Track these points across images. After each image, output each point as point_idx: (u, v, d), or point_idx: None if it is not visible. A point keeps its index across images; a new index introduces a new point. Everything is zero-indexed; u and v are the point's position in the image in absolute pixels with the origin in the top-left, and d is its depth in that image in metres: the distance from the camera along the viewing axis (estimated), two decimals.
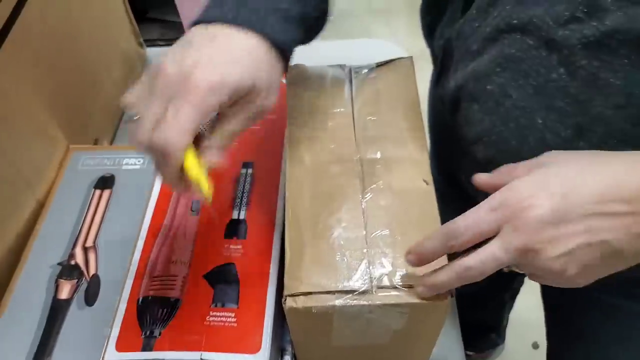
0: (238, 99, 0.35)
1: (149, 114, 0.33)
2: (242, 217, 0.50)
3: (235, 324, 0.43)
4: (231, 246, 0.48)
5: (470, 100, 0.45)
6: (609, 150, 0.36)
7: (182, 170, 0.34)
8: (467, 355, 1.13)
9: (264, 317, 0.44)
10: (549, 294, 0.65)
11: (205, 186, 0.35)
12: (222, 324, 0.43)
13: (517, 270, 0.35)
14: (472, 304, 0.83)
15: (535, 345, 1.15)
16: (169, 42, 0.89)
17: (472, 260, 0.33)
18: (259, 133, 0.57)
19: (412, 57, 0.52)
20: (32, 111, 0.54)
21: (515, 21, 0.41)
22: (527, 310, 1.02)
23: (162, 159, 0.33)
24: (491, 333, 1.10)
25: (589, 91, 0.38)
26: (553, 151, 0.37)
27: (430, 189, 0.41)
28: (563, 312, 0.63)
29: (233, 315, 0.44)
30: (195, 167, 0.35)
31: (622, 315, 0.53)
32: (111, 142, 0.69)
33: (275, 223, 0.49)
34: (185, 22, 0.59)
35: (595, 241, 0.32)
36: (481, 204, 0.34)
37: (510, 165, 0.37)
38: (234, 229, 0.49)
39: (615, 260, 0.33)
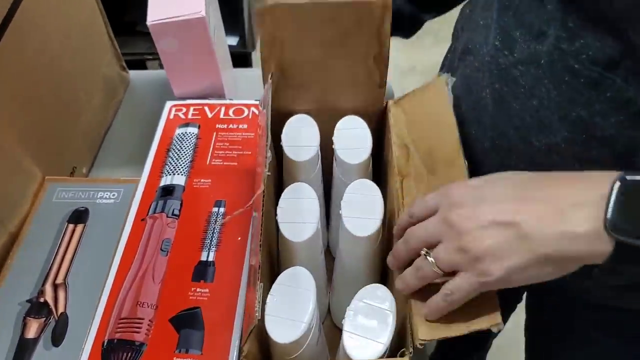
0: None
1: None
2: (210, 258, 0.50)
3: None
4: (198, 289, 0.48)
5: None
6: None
7: None
8: None
9: None
10: (530, 318, 0.68)
11: None
12: None
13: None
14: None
15: None
16: (157, 55, 0.88)
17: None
18: (234, 170, 0.57)
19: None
20: (5, 147, 0.54)
21: (469, 45, 0.50)
22: (510, 333, 1.02)
23: None
24: (473, 352, 1.10)
25: (499, 111, 0.45)
26: None
27: None
28: (539, 337, 0.65)
29: None
30: None
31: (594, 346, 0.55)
32: (90, 170, 0.69)
33: (243, 265, 0.49)
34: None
35: (506, 220, 0.34)
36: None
37: None
38: (201, 271, 0.49)
39: (524, 245, 0.33)
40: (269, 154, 0.41)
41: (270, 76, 0.47)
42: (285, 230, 0.44)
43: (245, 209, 0.41)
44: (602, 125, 0.38)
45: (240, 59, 1.33)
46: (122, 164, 0.71)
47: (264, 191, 0.39)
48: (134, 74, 0.83)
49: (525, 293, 0.71)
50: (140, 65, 1.44)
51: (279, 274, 0.41)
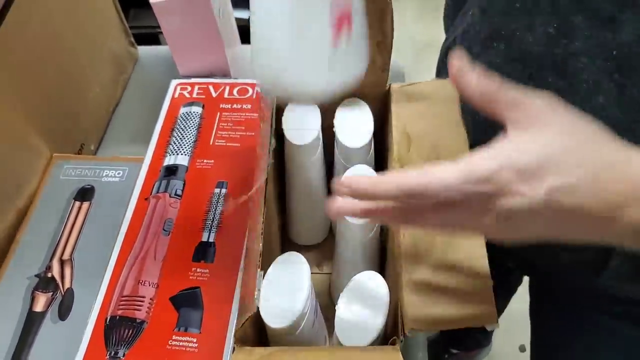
0: None
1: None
2: (211, 239, 0.51)
3: (196, 350, 0.45)
4: (198, 269, 0.49)
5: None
6: None
7: None
8: (453, 354, 1.16)
9: (224, 344, 0.45)
10: (535, 302, 0.67)
11: None
12: (184, 348, 0.45)
13: None
14: None
15: (522, 348, 1.16)
16: None
17: None
18: (237, 151, 0.58)
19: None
20: (12, 123, 0.55)
21: (502, 31, 0.44)
22: (515, 313, 1.02)
23: None
24: (476, 332, 1.11)
25: None
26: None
27: None
28: (548, 323, 0.65)
29: (195, 340, 0.45)
30: None
31: (605, 332, 0.54)
32: (98, 146, 0.70)
33: (243, 247, 0.50)
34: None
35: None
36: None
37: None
38: (202, 252, 0.50)
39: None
40: (273, 140, 0.41)
41: None
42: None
43: (245, 198, 0.41)
44: None
45: None
46: (131, 141, 0.72)
47: (266, 180, 0.39)
48: (143, 49, 0.83)
49: (527, 277, 0.70)
50: (153, 39, 1.43)
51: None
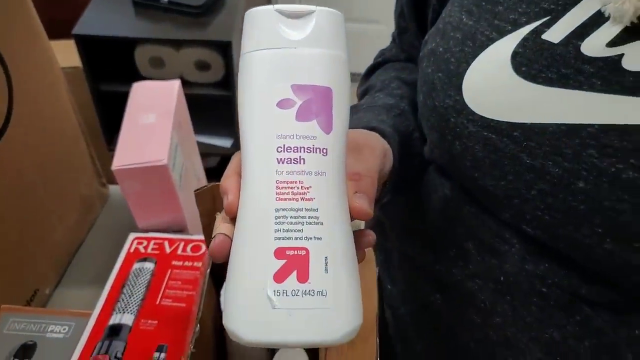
0: None
1: None
2: None
3: None
4: None
5: None
6: None
7: None
8: None
9: None
10: None
11: None
12: None
13: None
14: None
15: None
16: None
17: None
18: (181, 312, 0.59)
19: None
20: None
21: (409, 255, 0.46)
22: None
23: None
24: None
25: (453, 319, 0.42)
26: None
27: None
28: None
29: None
30: None
31: None
32: (54, 290, 0.71)
33: None
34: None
35: None
36: None
37: None
38: None
39: None
40: (197, 328, 0.42)
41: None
42: None
43: None
44: (576, 348, 0.35)
45: None
46: (89, 283, 0.72)
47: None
48: (114, 188, 0.86)
49: None
50: None
51: None
